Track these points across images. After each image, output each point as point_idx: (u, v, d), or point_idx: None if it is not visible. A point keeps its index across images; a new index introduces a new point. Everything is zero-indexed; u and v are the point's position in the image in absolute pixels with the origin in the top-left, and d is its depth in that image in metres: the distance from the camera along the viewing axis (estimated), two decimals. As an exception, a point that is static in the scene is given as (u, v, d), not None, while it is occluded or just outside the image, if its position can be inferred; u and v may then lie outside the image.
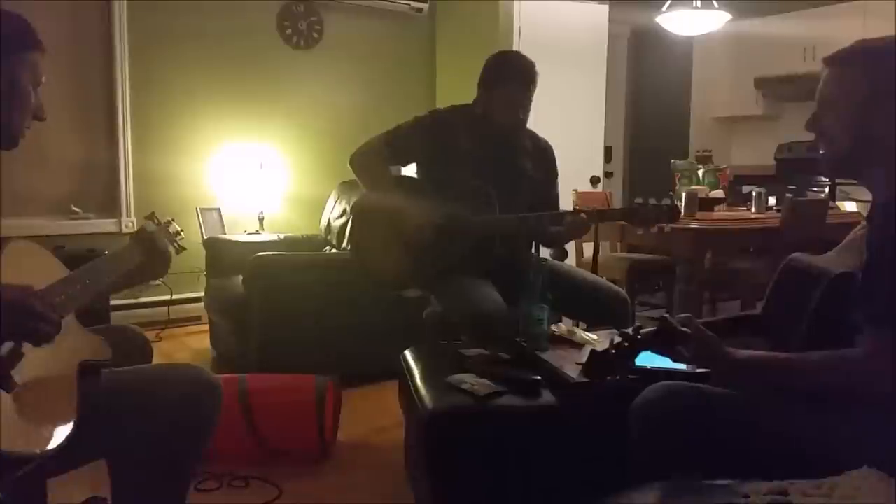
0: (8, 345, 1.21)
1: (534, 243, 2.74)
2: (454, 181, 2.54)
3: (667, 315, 1.40)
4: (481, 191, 2.49)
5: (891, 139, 1.33)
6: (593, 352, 1.40)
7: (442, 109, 2.73)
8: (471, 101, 2.64)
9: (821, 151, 1.45)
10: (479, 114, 2.57)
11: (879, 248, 1.29)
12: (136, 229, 1.68)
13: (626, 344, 1.36)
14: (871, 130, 1.35)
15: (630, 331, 1.38)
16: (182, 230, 1.86)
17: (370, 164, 2.64)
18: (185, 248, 1.84)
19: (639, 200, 2.48)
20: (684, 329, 1.36)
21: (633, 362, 1.38)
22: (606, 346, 1.38)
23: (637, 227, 2.44)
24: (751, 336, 1.66)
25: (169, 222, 1.82)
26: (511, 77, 2.52)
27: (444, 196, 2.51)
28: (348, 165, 2.68)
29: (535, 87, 2.55)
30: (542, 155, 2.72)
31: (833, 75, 1.41)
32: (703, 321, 1.58)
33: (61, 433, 1.21)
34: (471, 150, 2.57)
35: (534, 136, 2.72)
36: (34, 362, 1.25)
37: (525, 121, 2.60)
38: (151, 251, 1.65)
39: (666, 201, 2.47)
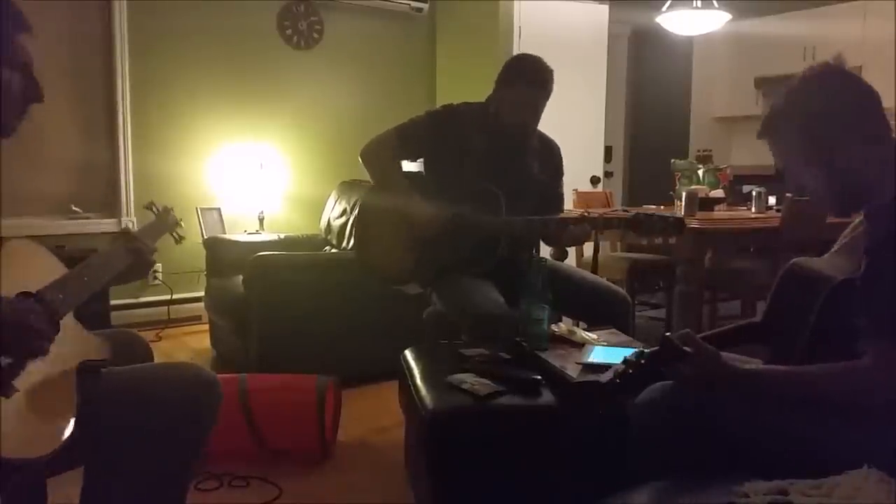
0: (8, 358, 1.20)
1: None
2: (462, 180, 2.53)
3: (668, 334, 1.39)
4: (488, 192, 2.48)
5: (857, 155, 1.36)
6: (597, 383, 1.39)
7: (456, 105, 2.71)
8: (484, 99, 2.63)
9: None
10: (492, 113, 2.57)
11: (877, 258, 1.30)
12: (119, 233, 1.67)
13: (631, 371, 1.36)
14: (838, 161, 1.37)
15: (633, 357, 1.38)
16: (181, 220, 1.86)
17: (380, 157, 2.63)
18: (184, 238, 1.85)
19: (645, 210, 2.46)
20: (685, 348, 1.36)
21: (640, 387, 1.38)
22: (610, 376, 1.38)
23: (641, 237, 2.43)
24: (752, 344, 1.65)
25: (168, 210, 1.82)
26: (521, 78, 2.51)
27: (451, 195, 2.51)
28: (358, 158, 2.67)
29: (546, 92, 2.54)
30: (550, 154, 2.72)
31: (773, 145, 1.46)
32: (704, 335, 1.58)
33: (61, 434, 1.21)
34: (480, 148, 2.56)
35: (541, 136, 2.71)
36: (34, 365, 1.25)
37: (534, 124, 2.60)
38: (137, 253, 1.63)
39: (672, 213, 2.45)
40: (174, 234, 1.86)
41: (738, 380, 1.37)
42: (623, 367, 1.37)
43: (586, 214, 2.54)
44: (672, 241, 2.45)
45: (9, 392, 1.17)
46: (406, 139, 2.61)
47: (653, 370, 1.38)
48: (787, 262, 1.64)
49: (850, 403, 1.28)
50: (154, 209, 1.83)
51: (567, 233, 2.44)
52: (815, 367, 1.34)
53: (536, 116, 2.58)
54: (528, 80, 2.51)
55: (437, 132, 2.60)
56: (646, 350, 1.40)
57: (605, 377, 1.38)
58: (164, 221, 1.84)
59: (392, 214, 2.57)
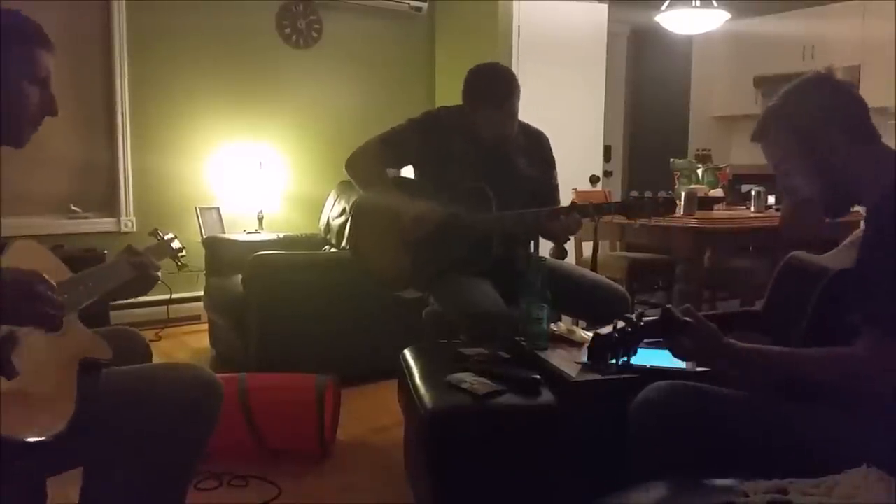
0: (4, 328, 1.23)
1: (532, 242, 2.73)
2: (450, 182, 2.53)
3: (669, 305, 1.40)
4: (478, 191, 2.48)
5: (847, 155, 1.40)
6: (596, 334, 1.40)
7: (436, 110, 2.71)
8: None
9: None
10: (468, 123, 2.56)
11: (872, 247, 1.32)
12: (123, 248, 1.72)
13: (629, 329, 1.37)
14: (829, 160, 1.42)
15: (633, 317, 1.38)
16: (184, 248, 1.89)
17: (366, 167, 2.63)
18: (186, 266, 1.88)
19: (634, 193, 2.47)
20: (686, 319, 1.37)
21: (636, 349, 1.38)
22: (610, 330, 1.38)
23: (633, 220, 2.43)
24: (751, 332, 1.66)
25: (172, 239, 1.86)
26: (485, 101, 2.49)
27: (441, 197, 2.51)
28: (344, 170, 2.67)
29: (516, 99, 2.50)
30: (538, 147, 2.69)
31: (766, 147, 1.51)
32: (704, 314, 1.59)
33: (58, 423, 1.22)
34: (465, 150, 2.56)
35: (527, 129, 2.69)
36: (37, 355, 1.27)
37: (512, 129, 2.57)
38: (141, 268, 1.68)
39: (662, 193, 2.46)
40: (177, 261, 1.90)
41: (738, 357, 1.38)
42: (622, 325, 1.37)
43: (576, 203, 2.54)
44: (665, 219, 2.45)
45: (10, 373, 1.20)
46: (391, 147, 2.60)
47: (653, 336, 1.39)
48: (788, 255, 1.66)
49: (845, 389, 1.30)
50: (158, 236, 1.87)
51: (559, 223, 2.43)
52: (813, 349, 1.36)
53: (512, 123, 2.56)
54: (492, 101, 2.48)
55: (421, 138, 2.59)
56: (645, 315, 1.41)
57: (605, 330, 1.38)
58: (167, 247, 1.87)
59: (384, 222, 2.57)
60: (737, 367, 1.40)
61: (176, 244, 1.88)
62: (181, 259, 1.89)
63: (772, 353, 1.41)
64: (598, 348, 1.38)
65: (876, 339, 1.26)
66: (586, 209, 2.46)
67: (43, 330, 1.26)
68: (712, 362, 1.40)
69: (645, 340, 1.39)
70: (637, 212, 2.42)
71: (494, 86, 2.51)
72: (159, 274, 1.74)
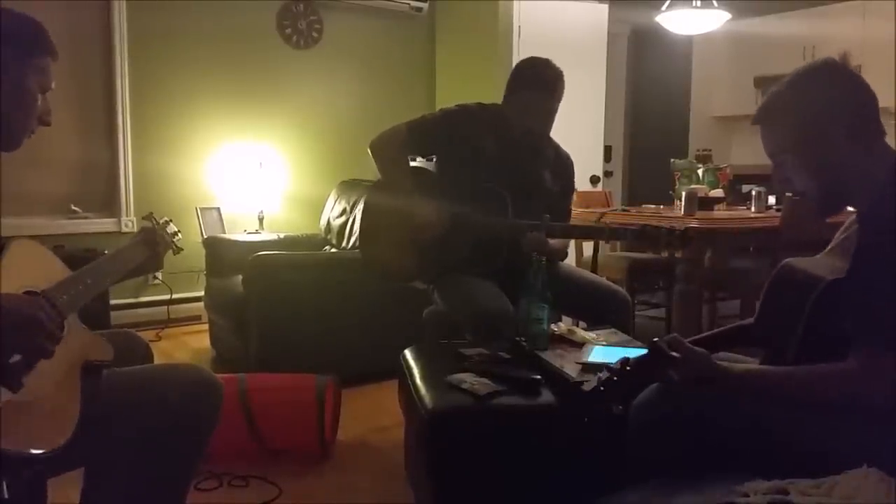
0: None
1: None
2: (471, 180, 2.52)
3: (656, 340, 1.38)
4: (496, 193, 2.47)
5: (845, 155, 1.36)
6: (581, 392, 1.38)
7: (471, 105, 2.67)
8: (499, 101, 2.61)
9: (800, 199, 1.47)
10: (504, 117, 2.56)
11: (862, 259, 1.30)
12: (138, 229, 1.73)
13: (615, 378, 1.36)
14: (826, 158, 1.38)
15: (618, 364, 1.38)
16: (179, 230, 1.89)
17: (389, 150, 2.60)
18: (182, 249, 1.88)
19: (652, 223, 2.45)
20: (673, 353, 1.35)
21: (624, 395, 1.38)
22: (594, 383, 1.37)
23: (647, 250, 2.44)
24: (746, 346, 1.65)
25: (167, 223, 1.85)
26: (530, 83, 2.50)
27: (457, 194, 2.50)
28: (368, 149, 2.63)
29: (557, 97, 2.52)
30: (562, 166, 2.71)
31: (765, 133, 1.45)
32: (694, 338, 1.58)
33: (64, 433, 1.21)
34: (492, 150, 2.55)
35: (557, 148, 2.71)
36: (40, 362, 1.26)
37: (545, 129, 2.58)
38: (155, 249, 1.70)
39: (678, 226, 2.44)
40: (173, 245, 1.89)
41: (732, 382, 1.37)
42: (607, 374, 1.36)
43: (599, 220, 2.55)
44: (678, 255, 2.46)
45: (16, 387, 1.18)
46: (417, 136, 2.58)
47: (641, 377, 1.38)
48: (779, 264, 1.64)
49: (839, 405, 1.28)
50: (153, 221, 1.87)
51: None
52: (804, 367, 1.34)
53: (543, 121, 2.55)
54: (532, 85, 2.49)
55: (449, 131, 2.58)
56: (631, 357, 1.39)
57: (589, 385, 1.37)
58: (164, 231, 1.87)
59: (395, 212, 2.56)
60: (732, 391, 1.38)
61: (171, 228, 1.88)
62: (177, 243, 1.89)
63: (766, 374, 1.39)
64: (586, 404, 1.37)
65: (869, 354, 1.25)
66: (602, 232, 2.45)
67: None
68: (706, 389, 1.38)
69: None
70: (652, 243, 2.43)
71: (542, 73, 2.52)
72: (171, 245, 1.77)
